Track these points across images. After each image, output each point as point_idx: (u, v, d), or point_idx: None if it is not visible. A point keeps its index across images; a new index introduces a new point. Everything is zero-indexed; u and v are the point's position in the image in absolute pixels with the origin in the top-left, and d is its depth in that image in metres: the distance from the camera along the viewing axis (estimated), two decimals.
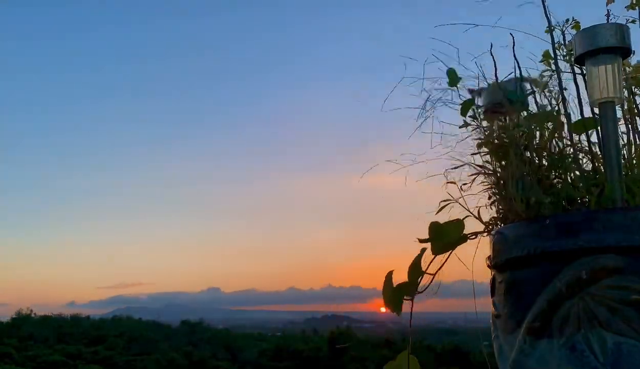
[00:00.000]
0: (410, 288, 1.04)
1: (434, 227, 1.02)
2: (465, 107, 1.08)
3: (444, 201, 1.07)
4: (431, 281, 1.05)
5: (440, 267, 1.05)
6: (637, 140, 1.02)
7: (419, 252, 1.04)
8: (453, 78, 1.09)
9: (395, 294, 1.03)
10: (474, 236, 1.05)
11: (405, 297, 1.04)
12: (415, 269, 1.04)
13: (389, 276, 1.04)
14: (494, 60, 1.08)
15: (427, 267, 1.04)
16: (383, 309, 1.05)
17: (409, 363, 1.03)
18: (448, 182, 1.08)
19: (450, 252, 1.04)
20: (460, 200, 1.07)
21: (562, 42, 1.09)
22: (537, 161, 1.00)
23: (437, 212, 1.06)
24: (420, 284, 1.04)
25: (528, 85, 1.08)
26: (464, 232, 1.04)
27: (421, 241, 1.03)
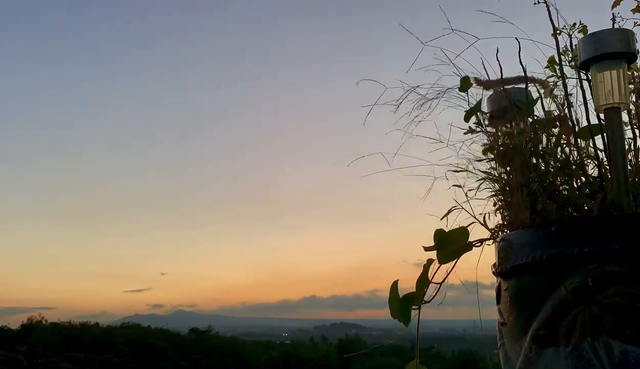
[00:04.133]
0: (417, 298, 1.03)
1: (440, 235, 1.02)
2: (469, 113, 1.07)
3: (451, 210, 1.06)
4: (438, 290, 1.04)
5: (447, 275, 1.04)
6: None
7: (425, 260, 1.04)
8: (465, 84, 1.08)
9: (402, 304, 1.03)
10: (479, 244, 1.05)
11: (412, 307, 1.03)
12: (423, 280, 1.03)
13: (394, 286, 1.04)
14: (499, 65, 1.08)
15: (433, 276, 1.04)
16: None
17: None
18: (454, 186, 1.08)
19: (457, 261, 1.04)
20: (466, 206, 1.06)
21: (569, 47, 1.08)
22: (542, 167, 1.00)
23: (442, 218, 1.05)
24: (427, 294, 1.04)
25: (535, 89, 1.08)
26: (469, 239, 1.03)
27: (427, 249, 1.03)
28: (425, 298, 1.04)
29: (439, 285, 1.04)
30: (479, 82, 1.08)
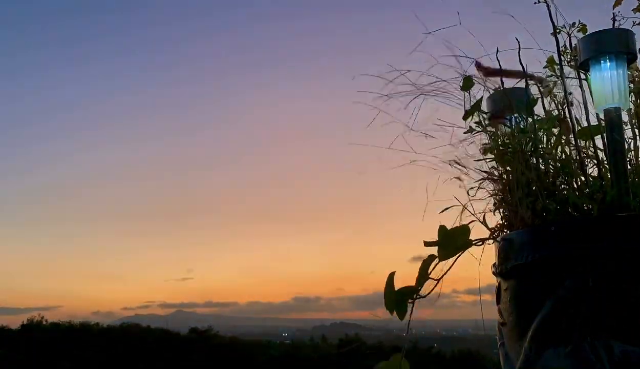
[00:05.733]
0: (413, 292, 1.03)
1: (443, 231, 1.01)
2: (469, 113, 1.07)
3: (451, 207, 1.06)
4: (435, 286, 1.04)
5: (445, 272, 1.04)
6: None
7: (422, 259, 1.04)
8: (467, 84, 1.08)
9: (397, 297, 1.02)
10: (480, 243, 1.04)
11: (408, 301, 1.03)
12: (422, 275, 1.03)
13: (391, 278, 1.03)
14: (499, 64, 1.08)
15: (431, 272, 1.03)
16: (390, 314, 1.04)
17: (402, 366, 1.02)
18: (455, 178, 1.07)
19: (456, 258, 1.04)
20: (466, 205, 1.06)
21: (569, 47, 1.08)
22: (543, 167, 1.00)
23: (442, 212, 1.05)
24: (424, 290, 1.04)
25: (535, 88, 1.07)
26: (469, 238, 1.03)
27: (427, 244, 1.02)
28: (421, 293, 1.03)
29: (436, 281, 1.04)
30: (479, 67, 1.07)
